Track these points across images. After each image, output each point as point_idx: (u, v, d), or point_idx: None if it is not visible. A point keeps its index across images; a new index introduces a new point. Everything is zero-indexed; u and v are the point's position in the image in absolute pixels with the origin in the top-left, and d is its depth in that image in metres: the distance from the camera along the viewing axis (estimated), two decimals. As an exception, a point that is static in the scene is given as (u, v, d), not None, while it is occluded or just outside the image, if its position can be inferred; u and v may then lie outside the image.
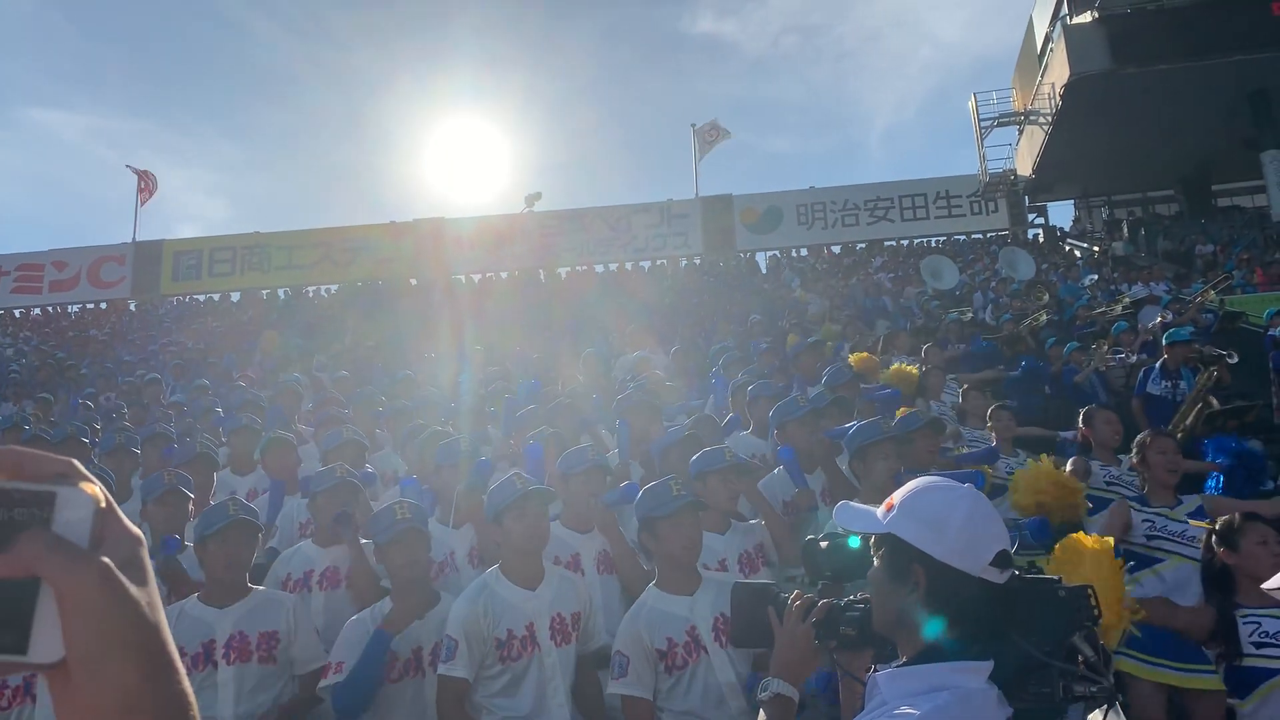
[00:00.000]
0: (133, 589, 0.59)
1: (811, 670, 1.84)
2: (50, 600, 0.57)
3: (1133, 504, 4.41)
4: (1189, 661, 3.94)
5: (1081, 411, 5.79)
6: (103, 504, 0.61)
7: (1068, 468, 5.04)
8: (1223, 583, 3.48)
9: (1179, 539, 4.24)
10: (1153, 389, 8.02)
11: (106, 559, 0.59)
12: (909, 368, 7.83)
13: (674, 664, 3.08)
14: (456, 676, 3.18)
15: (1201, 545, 3.71)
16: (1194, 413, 7.25)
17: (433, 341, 13.37)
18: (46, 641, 0.57)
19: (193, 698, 0.61)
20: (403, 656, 3.39)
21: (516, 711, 3.20)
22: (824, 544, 1.88)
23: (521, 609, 3.28)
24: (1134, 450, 4.61)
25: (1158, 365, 8.20)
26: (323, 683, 3.33)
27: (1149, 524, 4.31)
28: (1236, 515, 3.57)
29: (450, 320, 15.74)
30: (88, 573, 0.58)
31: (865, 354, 8.31)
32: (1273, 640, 3.26)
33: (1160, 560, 4.24)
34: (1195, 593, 3.93)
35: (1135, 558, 4.28)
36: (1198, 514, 4.35)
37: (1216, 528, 3.59)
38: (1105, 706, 1.46)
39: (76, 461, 0.62)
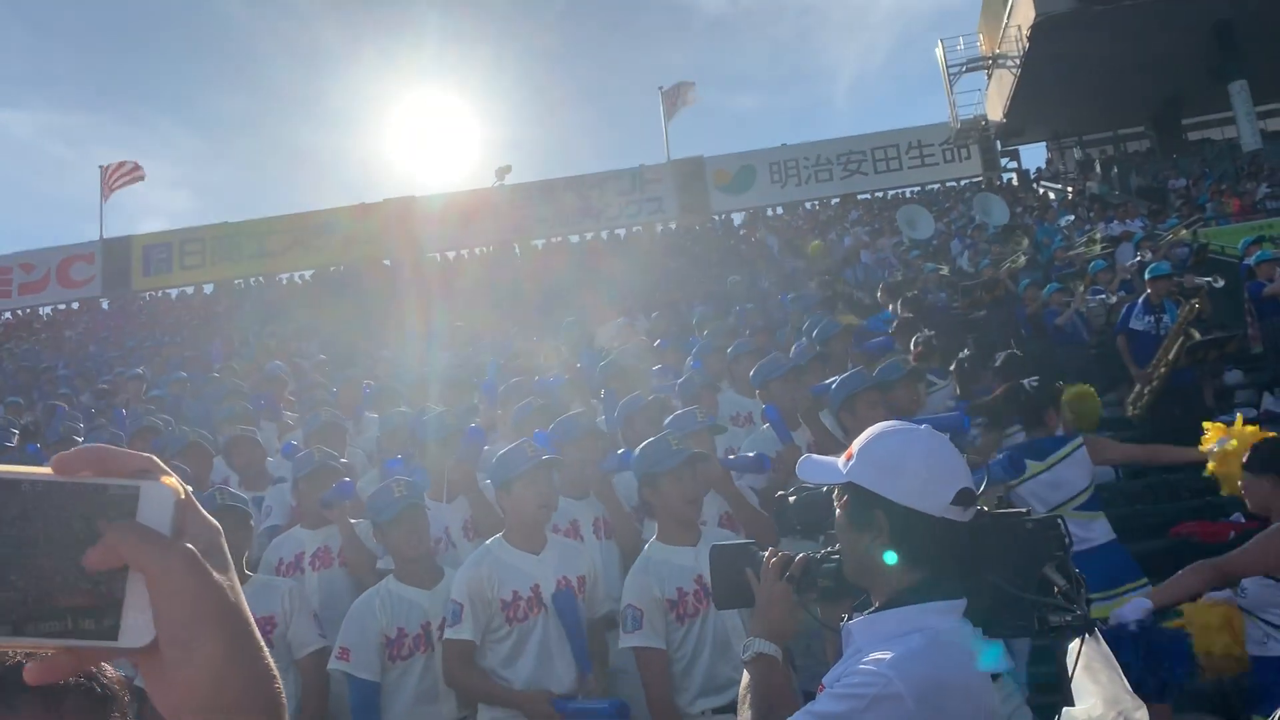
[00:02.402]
0: (216, 573, 0.63)
1: (793, 627, 1.84)
2: (138, 588, 0.61)
3: None
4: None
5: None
6: (182, 496, 0.64)
7: None
8: None
9: None
10: (1136, 324, 8.07)
11: (190, 546, 0.63)
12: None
13: (684, 613, 3.15)
14: (463, 639, 3.21)
15: None
16: (1176, 345, 7.33)
17: (404, 321, 13.30)
18: (136, 627, 0.61)
19: (275, 671, 0.65)
20: (412, 632, 3.40)
21: (523, 673, 3.23)
22: (792, 499, 1.89)
23: (527, 572, 3.31)
24: None
25: (1140, 300, 8.25)
26: (332, 664, 3.36)
27: None
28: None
29: (420, 299, 15.65)
30: (175, 559, 0.61)
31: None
32: None
33: None
34: None
35: None
36: None
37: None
38: (1082, 636, 1.48)
39: (155, 458, 0.65)
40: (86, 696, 1.06)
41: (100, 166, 30.92)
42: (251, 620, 0.65)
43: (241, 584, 2.35)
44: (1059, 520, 1.49)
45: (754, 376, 5.00)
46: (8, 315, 27.78)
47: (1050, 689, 2.66)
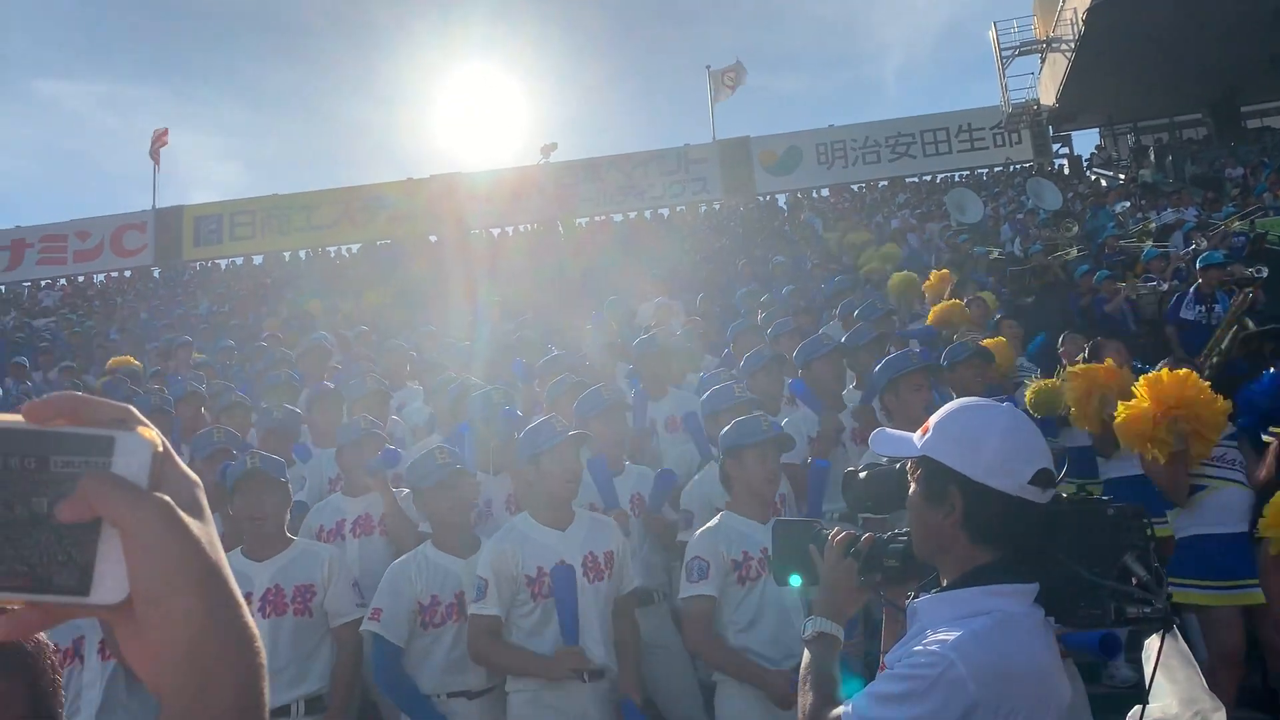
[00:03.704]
0: (194, 526, 0.60)
1: (856, 607, 1.81)
2: (112, 541, 0.58)
3: None
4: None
5: (1088, 344, 5.63)
6: (160, 448, 0.61)
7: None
8: None
9: (1219, 463, 4.17)
10: (1186, 314, 7.90)
11: (168, 498, 0.59)
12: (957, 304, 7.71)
13: (747, 575, 3.25)
14: (488, 614, 3.22)
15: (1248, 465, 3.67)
16: (1229, 336, 7.14)
17: (447, 298, 13.35)
18: (110, 582, 0.58)
19: (256, 631, 0.62)
20: (445, 601, 3.41)
21: (548, 648, 3.23)
22: (863, 474, 1.84)
23: (552, 548, 3.31)
24: None
25: (1191, 290, 8.07)
26: (366, 625, 3.38)
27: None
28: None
29: (465, 276, 15.69)
30: (151, 511, 0.58)
31: (950, 302, 8.06)
32: None
33: (1200, 488, 4.17)
34: (1241, 516, 3.90)
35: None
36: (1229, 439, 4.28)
37: None
38: (1161, 631, 1.41)
39: (133, 407, 0.62)
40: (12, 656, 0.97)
41: (154, 132, 31.36)
42: (231, 578, 0.62)
43: (283, 549, 2.32)
44: (1143, 510, 1.42)
45: (797, 355, 4.98)
46: (63, 282, 28.31)
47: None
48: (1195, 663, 1.68)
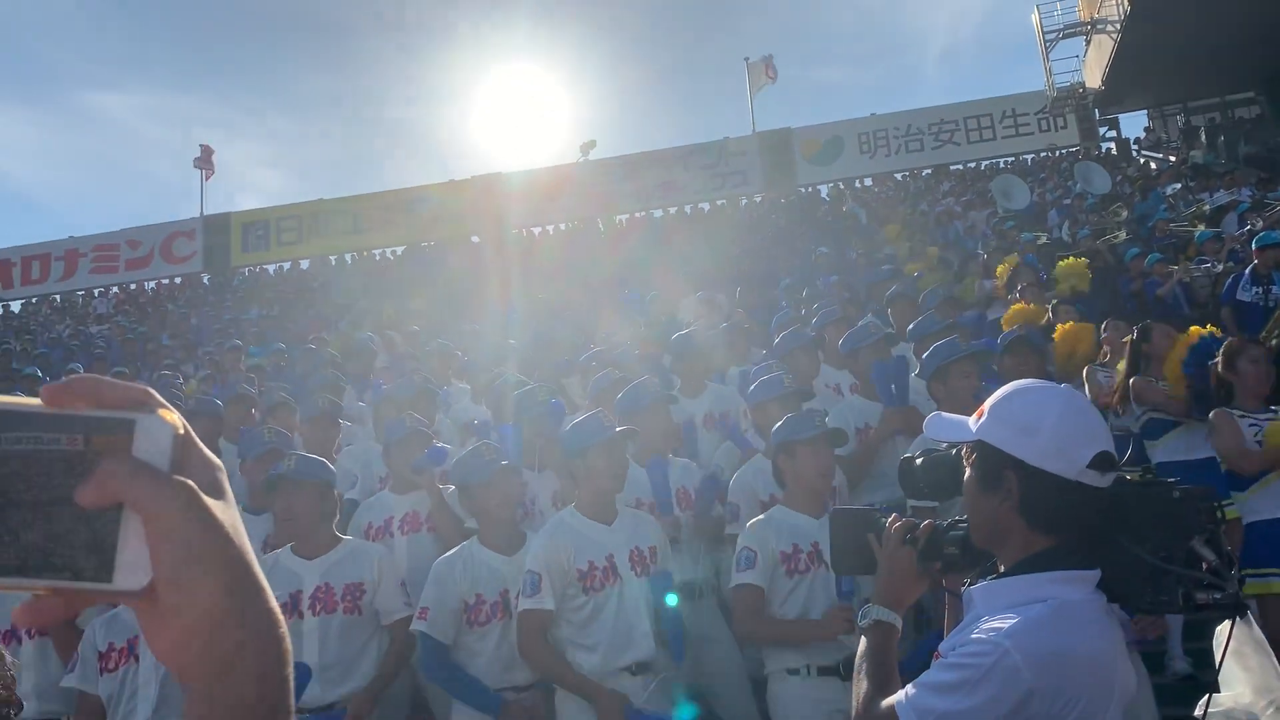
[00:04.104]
0: (217, 510, 0.59)
1: (915, 596, 1.78)
2: (134, 527, 0.57)
3: (1235, 411, 4.23)
4: None
5: (1137, 327, 5.51)
6: (181, 431, 0.60)
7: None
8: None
9: None
10: (1243, 296, 7.70)
11: (189, 481, 0.58)
12: (1035, 306, 7.43)
13: (795, 568, 3.27)
14: (542, 609, 3.22)
15: None
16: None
17: (490, 297, 13.42)
18: (132, 568, 0.57)
19: (280, 616, 0.61)
20: (490, 599, 3.42)
21: (601, 641, 3.23)
22: (919, 460, 1.81)
23: (600, 542, 3.32)
24: (1220, 357, 4.41)
25: (1247, 271, 7.87)
26: (414, 625, 3.40)
27: (1255, 429, 4.13)
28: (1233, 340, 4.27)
29: (504, 275, 15.77)
30: (172, 495, 0.57)
31: (1026, 305, 7.64)
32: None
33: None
34: None
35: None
36: None
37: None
38: (1233, 618, 1.36)
39: (153, 390, 0.61)
40: None
41: (201, 145, 31.90)
42: (254, 562, 0.61)
43: (333, 548, 2.35)
44: (1212, 491, 1.37)
45: (843, 344, 4.94)
46: (115, 290, 28.90)
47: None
48: (1270, 650, 1.61)
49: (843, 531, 1.90)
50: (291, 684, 0.61)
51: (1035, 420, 1.48)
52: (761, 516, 3.42)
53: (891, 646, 1.73)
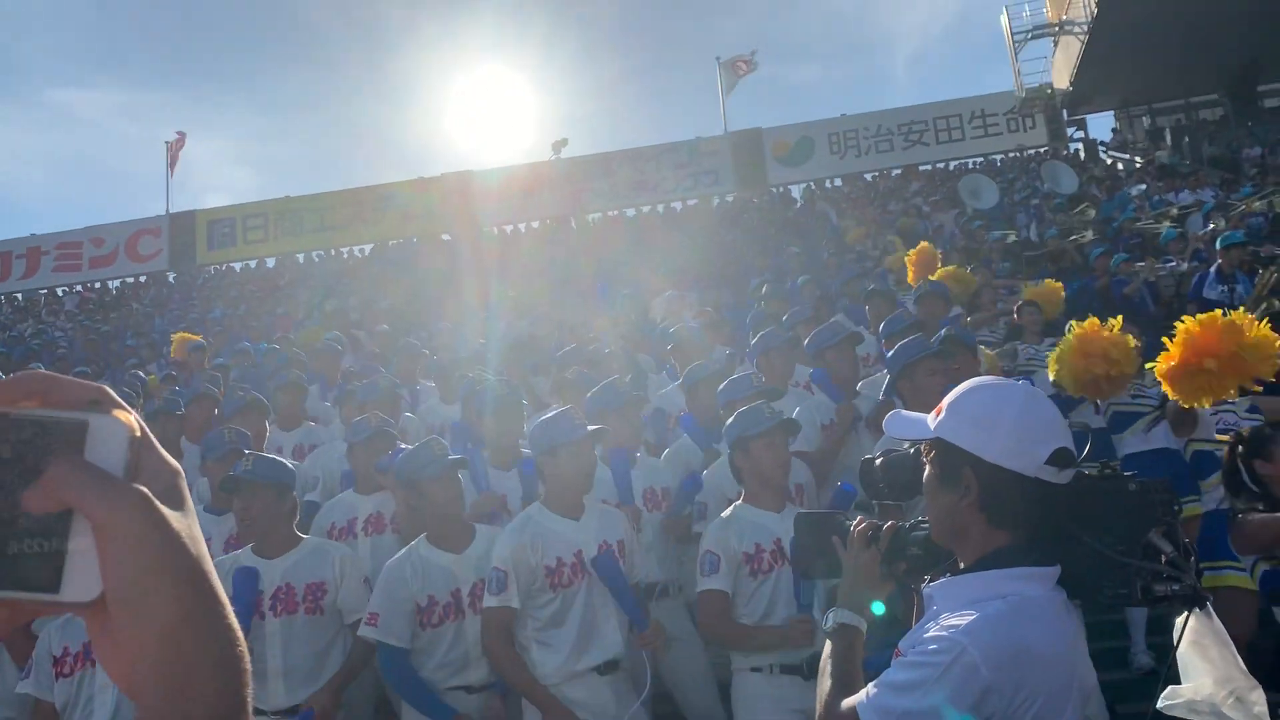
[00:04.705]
0: (173, 519, 0.55)
1: (880, 598, 1.77)
2: (84, 534, 0.53)
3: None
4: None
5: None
6: (137, 433, 0.56)
7: None
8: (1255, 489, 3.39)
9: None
10: (1209, 293, 7.86)
11: (144, 488, 0.55)
12: (966, 273, 7.96)
13: (759, 568, 3.25)
14: (507, 606, 3.18)
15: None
16: (1259, 313, 7.06)
17: (460, 296, 13.35)
18: (81, 578, 0.53)
19: (239, 632, 0.57)
20: (442, 600, 3.37)
21: (566, 640, 3.20)
22: (879, 461, 1.80)
23: (569, 538, 3.29)
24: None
25: (1213, 270, 8.03)
26: (362, 631, 3.35)
27: (1218, 419, 4.19)
28: (1266, 426, 3.58)
29: (477, 274, 15.69)
30: (125, 502, 0.54)
31: (952, 268, 8.35)
32: None
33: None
34: None
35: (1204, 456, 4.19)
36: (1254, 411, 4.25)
37: (1246, 436, 3.49)
38: (1189, 610, 1.35)
39: (109, 388, 0.57)
40: None
41: (165, 142, 31.51)
42: (213, 574, 0.57)
43: (293, 548, 2.29)
44: (1168, 484, 1.36)
45: (809, 344, 4.95)
46: (79, 289, 28.47)
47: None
48: (1230, 641, 1.62)
49: (807, 535, 1.89)
50: (250, 706, 0.57)
51: (993, 417, 1.48)
52: (723, 516, 3.40)
53: (857, 649, 1.72)
